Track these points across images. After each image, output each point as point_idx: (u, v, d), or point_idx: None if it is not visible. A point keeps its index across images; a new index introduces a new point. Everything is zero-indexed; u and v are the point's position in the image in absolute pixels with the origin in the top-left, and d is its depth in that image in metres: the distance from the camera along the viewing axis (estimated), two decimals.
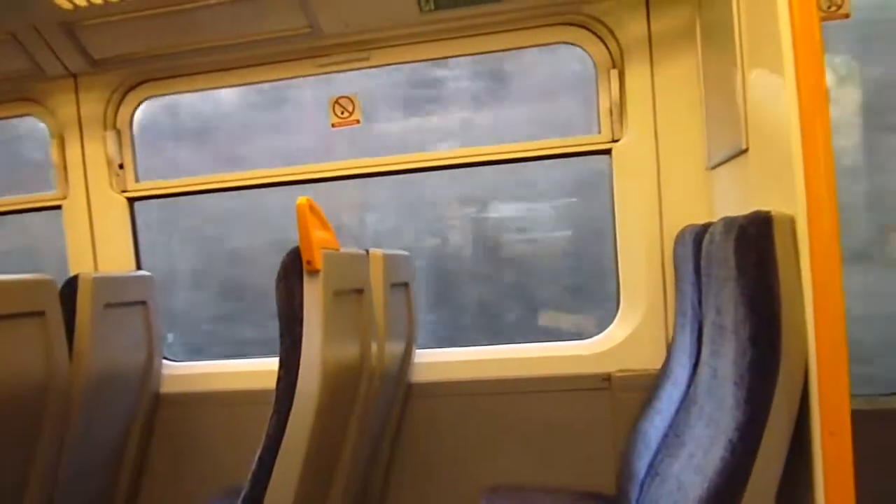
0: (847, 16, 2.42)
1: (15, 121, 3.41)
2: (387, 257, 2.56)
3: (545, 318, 3.36)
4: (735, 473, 1.53)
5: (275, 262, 2.00)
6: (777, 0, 1.58)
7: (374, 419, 2.58)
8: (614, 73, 2.75)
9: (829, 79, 2.85)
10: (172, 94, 3.20)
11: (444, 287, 3.50)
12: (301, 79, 3.12)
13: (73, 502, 2.61)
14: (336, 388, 2.07)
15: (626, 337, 2.78)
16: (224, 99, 3.47)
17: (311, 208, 1.99)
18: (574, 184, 3.30)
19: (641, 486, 2.11)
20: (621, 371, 2.75)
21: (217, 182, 3.17)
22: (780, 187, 1.68)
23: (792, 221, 1.55)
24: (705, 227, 2.04)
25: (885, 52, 2.91)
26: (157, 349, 3.03)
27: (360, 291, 2.34)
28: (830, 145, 1.48)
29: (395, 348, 2.70)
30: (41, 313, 2.31)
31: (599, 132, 2.81)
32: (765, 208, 1.62)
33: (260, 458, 1.97)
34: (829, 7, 2.38)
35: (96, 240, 3.18)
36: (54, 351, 2.36)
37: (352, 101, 2.95)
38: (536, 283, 3.42)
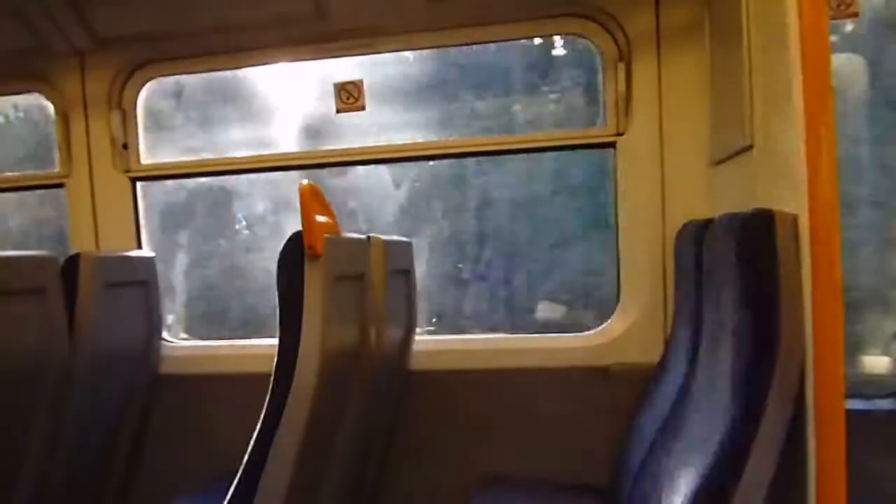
0: (856, 15, 2.41)
1: None
2: (387, 243, 2.56)
3: None
4: (728, 470, 1.54)
5: None
6: None
7: (373, 405, 2.59)
8: (621, 66, 2.73)
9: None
10: (178, 74, 3.21)
11: None
12: None
13: (69, 480, 2.63)
14: (334, 372, 2.07)
15: (624, 330, 2.78)
16: None
17: (313, 193, 2.00)
18: None
19: (635, 479, 2.12)
20: (619, 364, 2.75)
21: (221, 165, 3.17)
22: (783, 185, 1.67)
23: (794, 220, 1.55)
24: (707, 224, 2.03)
25: None
26: (156, 329, 3.04)
27: (360, 277, 2.34)
28: (834, 144, 1.47)
29: (394, 335, 2.71)
30: (42, 290, 2.32)
31: (605, 125, 2.81)
32: (767, 206, 1.61)
33: (256, 440, 1.98)
34: (838, 6, 2.36)
35: (98, 219, 3.19)
36: (54, 328, 2.37)
37: (357, 87, 2.94)
38: None
